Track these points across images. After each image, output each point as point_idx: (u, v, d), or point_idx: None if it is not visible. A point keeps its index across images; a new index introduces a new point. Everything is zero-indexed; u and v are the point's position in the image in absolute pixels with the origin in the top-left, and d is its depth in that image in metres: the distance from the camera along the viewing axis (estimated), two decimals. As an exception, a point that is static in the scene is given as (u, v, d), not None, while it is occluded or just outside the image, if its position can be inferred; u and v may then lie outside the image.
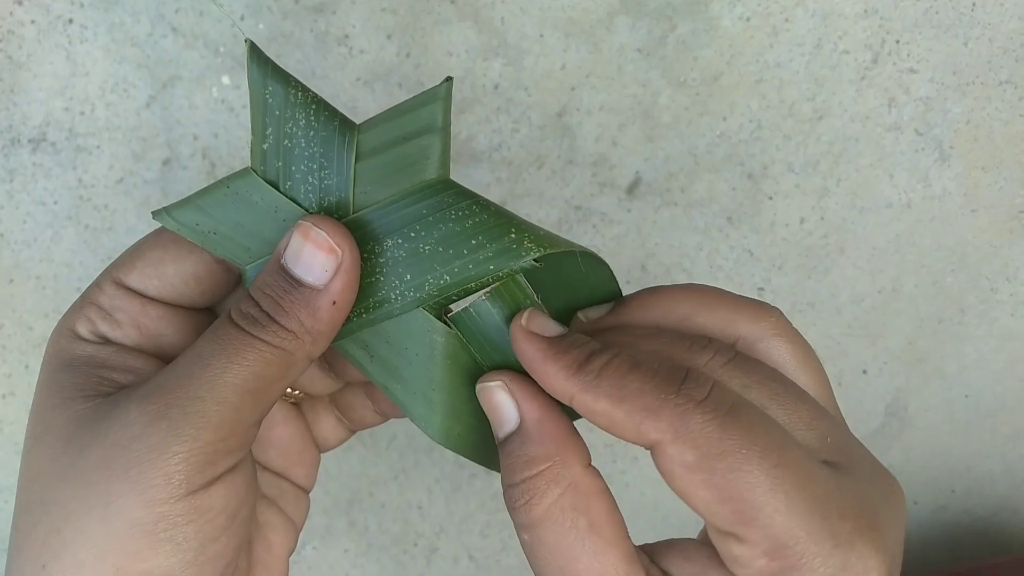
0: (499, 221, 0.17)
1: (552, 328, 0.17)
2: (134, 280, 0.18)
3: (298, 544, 0.21)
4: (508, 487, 0.16)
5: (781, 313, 0.17)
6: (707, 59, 0.32)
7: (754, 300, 0.18)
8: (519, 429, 0.16)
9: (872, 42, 0.33)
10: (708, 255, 0.35)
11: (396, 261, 0.17)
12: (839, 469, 0.15)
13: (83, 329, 0.17)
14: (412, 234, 0.17)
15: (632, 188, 0.34)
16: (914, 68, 0.33)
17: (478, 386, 0.17)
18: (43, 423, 0.16)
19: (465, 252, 0.17)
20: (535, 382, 0.16)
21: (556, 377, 0.16)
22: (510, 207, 0.35)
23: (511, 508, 0.16)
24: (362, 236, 0.17)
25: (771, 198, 0.34)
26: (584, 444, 0.16)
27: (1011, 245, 0.36)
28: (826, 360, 0.37)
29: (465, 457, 0.18)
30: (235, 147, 0.32)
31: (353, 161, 0.17)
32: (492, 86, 0.32)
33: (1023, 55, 0.33)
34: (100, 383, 0.17)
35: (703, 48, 0.32)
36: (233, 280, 0.19)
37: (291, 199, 0.17)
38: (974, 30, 0.33)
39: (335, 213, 0.17)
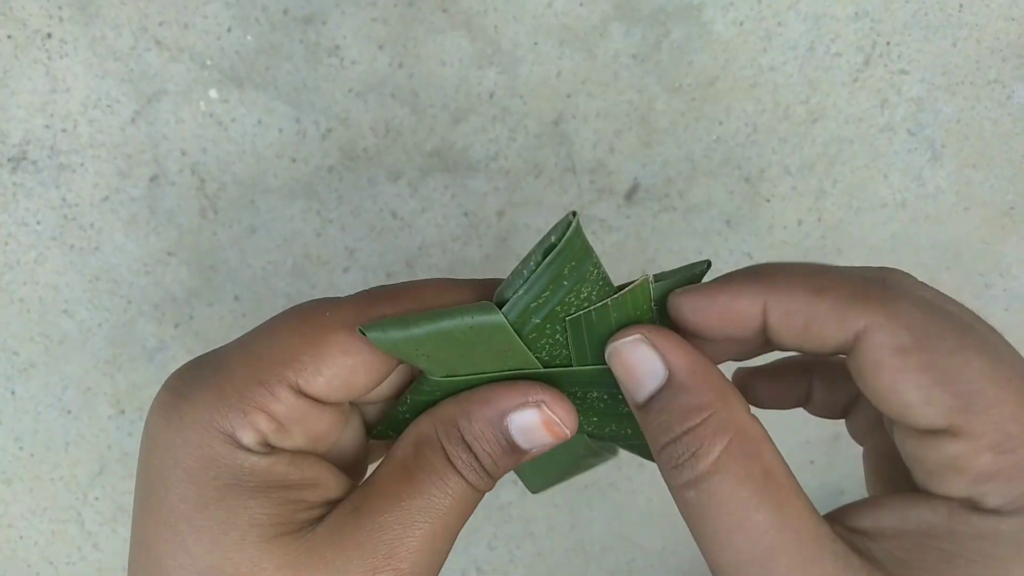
0: None
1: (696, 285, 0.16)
2: (319, 388, 0.16)
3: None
4: (666, 445, 0.15)
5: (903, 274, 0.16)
6: (702, 64, 0.32)
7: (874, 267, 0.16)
8: (669, 382, 0.15)
9: (863, 44, 0.33)
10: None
11: (594, 409, 0.18)
12: None
13: (248, 439, 0.15)
14: (620, 395, 0.17)
15: (631, 194, 0.34)
16: (905, 69, 0.33)
17: (610, 346, 0.16)
18: (239, 563, 0.14)
19: None
20: (675, 335, 0.15)
21: (742, 295, 0.14)
22: (509, 217, 0.34)
23: (671, 467, 0.15)
24: (572, 382, 0.17)
25: (769, 201, 0.34)
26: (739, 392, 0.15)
27: (1003, 241, 0.36)
28: (826, 360, 0.37)
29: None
30: (224, 162, 0.31)
31: (594, 336, 0.17)
32: (487, 95, 0.32)
33: (1010, 55, 0.34)
34: (295, 509, 0.15)
35: (697, 53, 0.32)
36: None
37: (529, 347, 0.17)
38: (962, 31, 0.33)
39: (557, 363, 0.17)
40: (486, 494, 0.17)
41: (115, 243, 0.32)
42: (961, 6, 0.33)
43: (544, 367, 0.17)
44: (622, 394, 0.17)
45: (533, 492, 0.20)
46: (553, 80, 0.32)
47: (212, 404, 0.15)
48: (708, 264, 0.17)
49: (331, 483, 0.16)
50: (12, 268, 0.31)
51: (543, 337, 0.16)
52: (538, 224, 0.33)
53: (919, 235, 0.36)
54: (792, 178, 0.34)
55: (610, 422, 0.18)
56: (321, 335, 0.16)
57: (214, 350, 0.16)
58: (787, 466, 0.14)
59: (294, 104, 0.31)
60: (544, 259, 0.15)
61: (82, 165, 0.31)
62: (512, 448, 0.16)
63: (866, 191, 0.35)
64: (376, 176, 0.32)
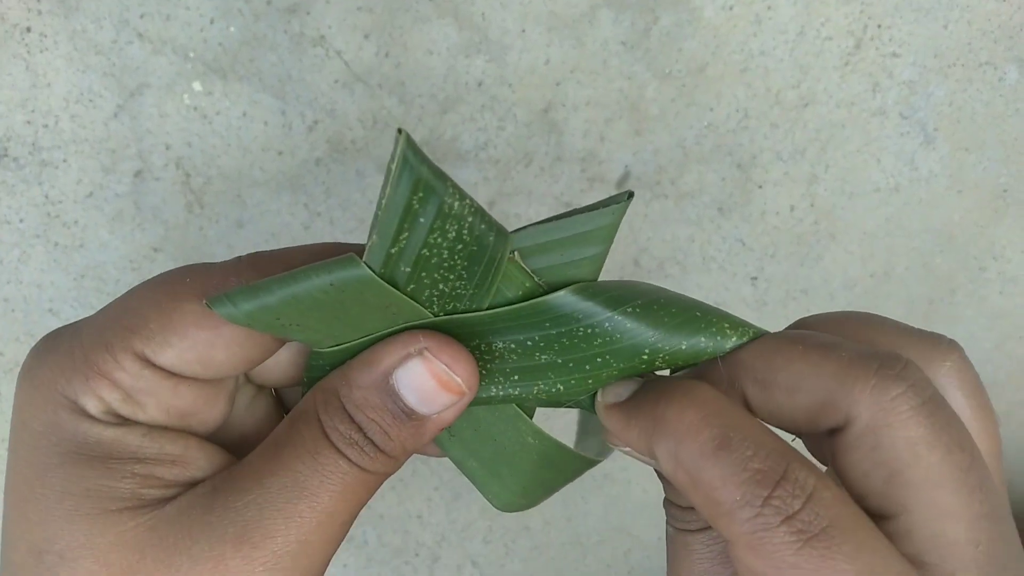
0: (634, 340, 0.15)
1: (623, 390, 0.15)
2: (168, 360, 0.14)
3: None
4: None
5: (963, 353, 0.14)
6: (692, 50, 0.32)
7: (928, 332, 0.14)
8: (619, 404, 0.15)
9: (854, 28, 0.32)
10: (701, 247, 0.35)
11: (506, 361, 0.15)
12: None
13: (93, 407, 0.14)
14: (529, 343, 0.15)
15: (622, 182, 0.33)
16: (896, 52, 0.33)
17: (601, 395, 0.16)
18: (72, 536, 0.13)
19: (587, 368, 0.15)
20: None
21: (639, 442, 0.14)
22: (499, 207, 0.34)
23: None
24: (472, 332, 0.15)
25: (761, 187, 0.34)
26: None
27: (997, 224, 0.36)
28: (821, 347, 0.37)
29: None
30: (209, 156, 0.31)
31: (498, 277, 0.14)
32: (475, 83, 0.31)
33: (1001, 36, 0.33)
34: (142, 484, 0.14)
35: (687, 39, 0.32)
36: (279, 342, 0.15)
37: (411, 299, 0.14)
38: (953, 12, 0.33)
39: (454, 312, 0.15)
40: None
41: (100, 240, 0.31)
42: (952, -12, 0.33)
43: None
44: (532, 339, 0.15)
45: (500, 508, 0.17)
46: (542, 68, 0.31)
47: (59, 368, 0.14)
48: (630, 194, 0.15)
49: (201, 463, 0.15)
50: (-4, 267, 0.31)
51: (424, 290, 0.14)
52: (529, 214, 0.33)
53: (913, 219, 0.35)
54: (784, 164, 0.34)
55: (534, 378, 0.15)
56: (173, 303, 0.14)
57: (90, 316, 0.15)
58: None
59: (279, 96, 0.30)
60: (384, 192, 0.13)
61: (65, 161, 0.30)
62: (408, 414, 0.14)
63: (859, 176, 0.34)
64: (364, 168, 0.32)
